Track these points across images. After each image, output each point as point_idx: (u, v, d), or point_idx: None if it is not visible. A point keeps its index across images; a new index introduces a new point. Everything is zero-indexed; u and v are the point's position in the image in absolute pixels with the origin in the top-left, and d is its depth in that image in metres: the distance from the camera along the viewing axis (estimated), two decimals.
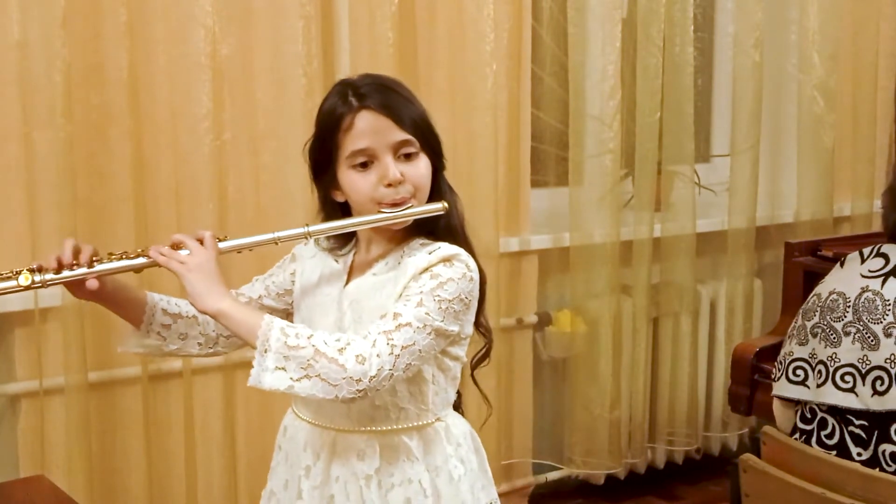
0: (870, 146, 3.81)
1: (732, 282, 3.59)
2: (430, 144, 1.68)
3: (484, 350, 1.79)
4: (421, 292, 1.57)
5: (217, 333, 1.78)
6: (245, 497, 2.78)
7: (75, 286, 1.63)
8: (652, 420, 3.54)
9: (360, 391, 1.50)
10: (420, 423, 1.68)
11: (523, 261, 3.25)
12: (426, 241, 1.67)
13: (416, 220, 1.67)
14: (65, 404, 2.50)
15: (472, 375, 1.80)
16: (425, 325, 1.55)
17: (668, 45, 3.32)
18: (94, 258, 1.61)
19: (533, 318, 3.30)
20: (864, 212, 3.82)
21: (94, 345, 2.55)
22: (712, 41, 3.79)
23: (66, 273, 1.59)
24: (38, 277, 1.58)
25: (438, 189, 1.70)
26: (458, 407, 1.79)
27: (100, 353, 2.56)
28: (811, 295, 2.20)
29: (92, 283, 1.60)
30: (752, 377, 2.90)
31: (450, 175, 1.75)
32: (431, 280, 1.58)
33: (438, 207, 1.66)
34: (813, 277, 2.92)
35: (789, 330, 2.24)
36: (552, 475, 3.44)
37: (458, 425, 1.74)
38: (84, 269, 1.60)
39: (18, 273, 1.57)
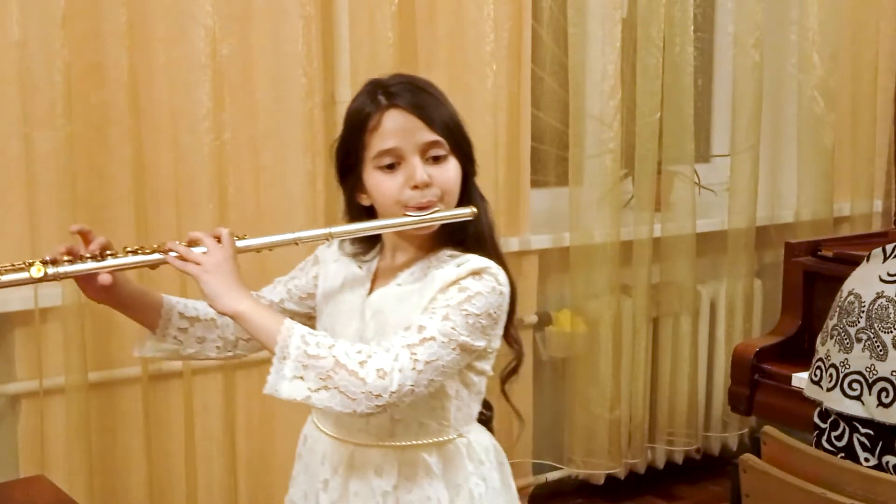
0: (870, 146, 3.81)
1: (732, 282, 3.59)
2: (461, 148, 1.61)
3: (514, 364, 1.73)
4: (448, 305, 1.51)
5: (236, 336, 1.73)
6: (245, 497, 2.78)
7: (88, 284, 1.57)
8: (652, 420, 3.54)
9: (378, 406, 1.45)
10: (440, 438, 1.63)
11: (523, 261, 3.24)
12: (455, 252, 1.61)
13: (444, 229, 1.61)
14: (65, 404, 2.49)
15: (504, 391, 1.74)
16: (450, 340, 1.50)
17: (668, 45, 3.32)
18: (108, 251, 1.55)
19: (533, 318, 3.29)
20: (864, 212, 3.82)
21: (94, 345, 2.54)
22: (712, 41, 3.79)
23: (79, 266, 1.53)
24: (51, 270, 1.51)
25: (468, 195, 1.63)
26: (488, 422, 1.73)
27: (100, 353, 2.56)
28: (840, 289, 2.18)
29: (105, 278, 1.53)
30: (752, 377, 2.89)
31: None
32: (459, 293, 1.52)
33: (467, 213, 1.59)
34: (813, 277, 2.91)
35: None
36: (552, 475, 3.43)
37: (480, 441, 1.68)
38: (96, 263, 1.53)
39: (31, 265, 1.50)
